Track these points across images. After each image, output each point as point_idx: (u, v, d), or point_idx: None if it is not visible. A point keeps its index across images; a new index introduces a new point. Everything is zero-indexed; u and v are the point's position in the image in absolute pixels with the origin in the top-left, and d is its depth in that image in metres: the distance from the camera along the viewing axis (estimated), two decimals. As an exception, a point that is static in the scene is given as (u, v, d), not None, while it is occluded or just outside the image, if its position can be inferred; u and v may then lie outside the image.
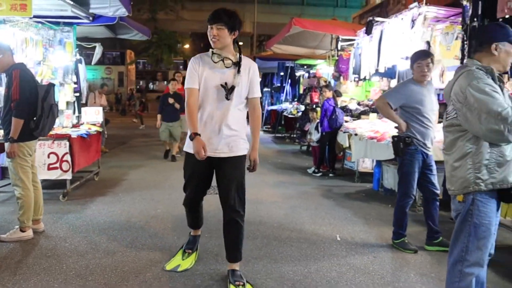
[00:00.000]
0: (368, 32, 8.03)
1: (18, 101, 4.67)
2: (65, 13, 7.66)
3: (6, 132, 4.84)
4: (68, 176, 6.73)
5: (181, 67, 48.93)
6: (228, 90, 3.77)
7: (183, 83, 5.08)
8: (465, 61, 3.68)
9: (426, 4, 6.63)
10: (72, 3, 7.09)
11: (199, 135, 3.74)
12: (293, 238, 5.25)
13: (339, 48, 10.54)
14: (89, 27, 9.21)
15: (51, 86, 5.16)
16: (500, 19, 4.72)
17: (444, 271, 3.38)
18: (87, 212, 6.13)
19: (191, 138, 3.73)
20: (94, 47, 10.26)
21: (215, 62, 3.79)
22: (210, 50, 3.84)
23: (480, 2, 5.06)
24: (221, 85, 3.77)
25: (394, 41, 7.45)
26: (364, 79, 9.85)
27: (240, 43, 3.96)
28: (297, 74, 17.93)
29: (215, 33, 3.72)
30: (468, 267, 2.96)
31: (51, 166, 6.62)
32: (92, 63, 10.60)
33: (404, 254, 4.84)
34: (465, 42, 5.45)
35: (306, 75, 16.61)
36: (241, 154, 3.92)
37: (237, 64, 3.82)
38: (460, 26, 5.99)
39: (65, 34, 8.47)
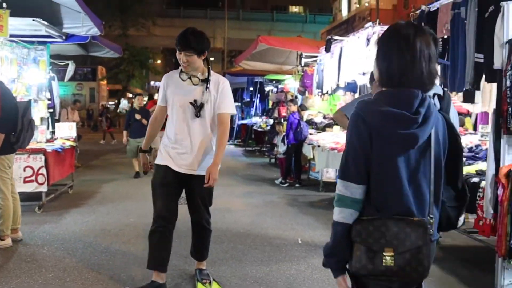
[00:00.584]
0: (327, 50, 8.57)
1: (0, 117, 4.99)
2: (39, 32, 7.96)
3: (-14, 145, 5.13)
4: (43, 188, 7.02)
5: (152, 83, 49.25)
6: (198, 108, 3.84)
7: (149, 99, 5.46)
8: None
9: (379, 24, 7.19)
10: (46, 23, 7.41)
11: (146, 152, 4.23)
12: (258, 242, 5.65)
13: (302, 64, 11.08)
14: (61, 45, 9.52)
15: (29, 102, 5.53)
16: (440, 38, 5.27)
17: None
18: (63, 222, 6.43)
19: (139, 151, 4.27)
20: (67, 64, 10.56)
21: (184, 80, 3.91)
22: (180, 67, 3.94)
23: (423, 23, 5.62)
24: (190, 102, 3.84)
25: (352, 58, 7.97)
26: (327, 93, 10.38)
27: (212, 59, 4.17)
28: (266, 89, 18.43)
29: (184, 59, 3.79)
30: None
31: (27, 179, 6.88)
32: (65, 79, 10.94)
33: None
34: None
35: (275, 89, 17.13)
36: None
37: (205, 81, 3.89)
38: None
39: (38, 53, 8.76)
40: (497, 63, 4.06)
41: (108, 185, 9.38)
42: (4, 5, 6.38)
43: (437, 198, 2.01)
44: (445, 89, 5.03)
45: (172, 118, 3.94)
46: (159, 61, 45.76)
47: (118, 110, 35.20)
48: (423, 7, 5.66)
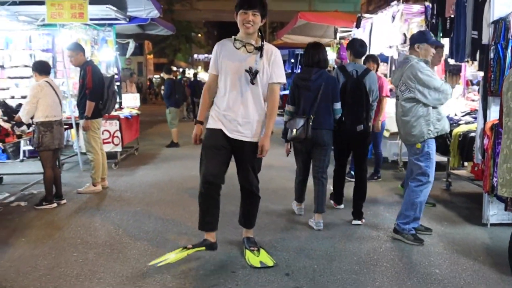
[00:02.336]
0: (357, 26, 9.58)
1: (91, 89, 6.35)
2: (107, 15, 9.30)
3: (81, 112, 6.52)
4: (118, 148, 8.48)
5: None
6: (253, 75, 3.86)
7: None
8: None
9: (402, 2, 8.16)
10: (115, 9, 8.73)
11: (201, 123, 4.11)
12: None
13: (337, 37, 12.07)
14: (123, 26, 10.85)
15: (113, 77, 6.89)
16: (448, 18, 6.27)
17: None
18: (136, 175, 7.85)
19: (195, 123, 4.13)
20: (128, 42, 11.93)
21: (237, 48, 3.91)
22: (233, 36, 3.97)
23: (435, 4, 6.60)
24: (246, 70, 3.86)
25: (380, 32, 8.97)
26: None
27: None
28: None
29: (251, 18, 3.80)
30: (427, 183, 4.59)
31: (105, 141, 8.27)
32: (127, 56, 12.30)
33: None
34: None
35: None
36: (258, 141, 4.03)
37: (259, 49, 3.90)
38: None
39: (106, 33, 10.14)
40: (485, 39, 5.13)
41: (165, 149, 10.78)
42: (84, -5, 7.68)
43: (323, 111, 5.02)
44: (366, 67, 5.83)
45: (226, 85, 3.96)
46: (199, 35, 46.73)
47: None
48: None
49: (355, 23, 9.84)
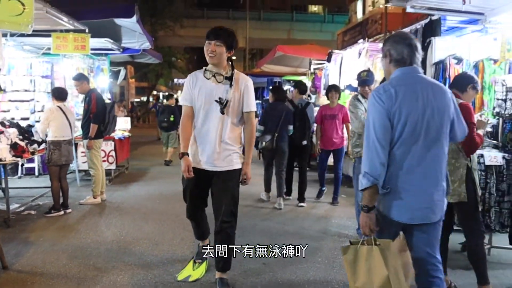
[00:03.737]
0: (328, 60, 10.74)
1: (95, 113, 7.29)
2: (104, 46, 10.28)
3: (85, 133, 7.43)
4: (113, 166, 9.38)
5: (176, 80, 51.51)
6: (223, 105, 3.88)
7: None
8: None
9: (367, 41, 9.33)
10: (112, 41, 9.73)
11: (187, 154, 4.00)
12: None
13: (311, 69, 13.24)
14: (116, 55, 11.84)
15: (114, 103, 7.83)
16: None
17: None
18: (130, 190, 8.75)
19: (180, 157, 4.00)
20: (119, 70, 12.91)
21: (208, 79, 3.94)
22: (204, 67, 4.00)
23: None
24: (216, 100, 3.89)
25: (349, 66, 10.11)
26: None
27: (234, 57, 4.14)
28: (284, 88, 20.60)
29: (213, 48, 3.84)
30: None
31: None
32: (118, 83, 13.27)
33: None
34: (387, 70, 8.12)
35: (292, 88, 19.29)
36: (235, 168, 4.07)
37: (229, 79, 3.93)
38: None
39: (101, 62, 11.10)
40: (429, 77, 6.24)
41: (153, 168, 11.69)
42: (87, 30, 8.63)
43: (283, 130, 7.44)
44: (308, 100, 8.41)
45: (198, 116, 4.01)
46: (180, 60, 47.64)
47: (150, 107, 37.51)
48: (393, 32, 7.79)
49: (326, 57, 10.99)
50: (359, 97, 5.91)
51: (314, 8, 57.07)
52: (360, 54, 9.48)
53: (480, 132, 4.02)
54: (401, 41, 2.93)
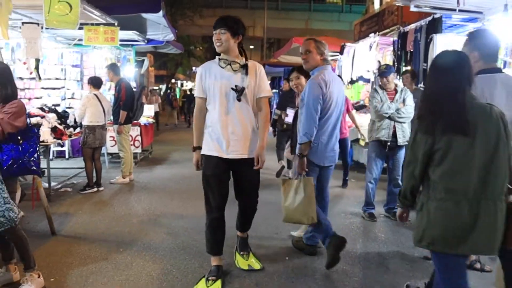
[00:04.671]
0: (341, 53, 11.31)
1: (125, 101, 7.99)
2: (130, 38, 10.96)
3: (115, 118, 8.13)
4: (139, 150, 10.11)
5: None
6: (239, 92, 3.90)
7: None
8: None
9: (378, 35, 9.87)
10: (139, 33, 10.40)
11: (200, 148, 4.05)
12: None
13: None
14: (141, 46, 12.52)
15: (141, 91, 8.51)
16: (408, 51, 7.96)
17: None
18: (154, 172, 9.47)
19: (193, 150, 4.08)
20: (143, 60, 13.60)
21: (223, 68, 3.94)
22: (217, 57, 4.00)
23: (400, 40, 8.31)
24: (232, 88, 3.90)
25: (361, 58, 10.66)
26: (352, 82, 13.05)
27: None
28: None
29: (218, 37, 3.86)
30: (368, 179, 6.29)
31: (127, 143, 9.93)
32: (142, 71, 13.94)
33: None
34: (395, 63, 8.69)
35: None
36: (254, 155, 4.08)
37: (244, 67, 3.95)
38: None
39: (127, 53, 11.78)
40: (430, 71, 6.79)
41: (175, 153, 12.41)
42: (116, 23, 9.31)
43: None
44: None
45: (215, 106, 3.98)
46: (199, 49, 48.12)
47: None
48: (400, 28, 8.35)
49: (340, 50, 11.55)
50: (377, 87, 6.32)
51: (332, -3, 56.94)
52: (371, 47, 10.03)
53: None
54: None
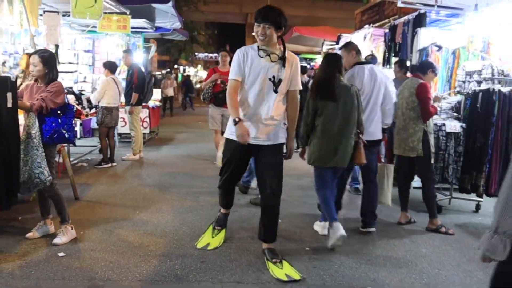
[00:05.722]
0: (337, 43, 12.03)
1: (137, 84, 8.73)
2: (140, 25, 11.65)
3: (127, 100, 8.87)
4: (147, 131, 10.89)
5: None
6: (276, 83, 3.95)
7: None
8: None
9: (371, 26, 10.58)
10: (148, 21, 11.11)
11: (242, 120, 3.97)
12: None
13: (324, 49, 14.52)
14: (149, 33, 13.22)
15: (151, 75, 9.23)
16: (397, 43, 8.67)
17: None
18: (161, 151, 10.25)
19: (235, 123, 3.92)
20: (151, 46, 14.31)
21: (262, 57, 3.95)
22: (256, 44, 4.03)
23: (390, 32, 9.02)
24: (269, 78, 3.94)
25: (356, 48, 11.38)
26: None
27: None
28: (302, 64, 21.95)
29: (263, 32, 3.88)
30: None
31: (137, 124, 10.68)
32: (149, 57, 14.65)
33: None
34: (386, 53, 9.40)
35: (308, 66, 20.62)
36: (280, 142, 4.17)
37: (283, 58, 3.97)
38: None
39: (136, 39, 12.50)
40: (414, 61, 7.52)
41: (179, 134, 13.19)
42: (128, 12, 10.00)
43: None
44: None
45: (250, 92, 4.03)
46: (202, 34, 48.40)
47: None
48: (391, 22, 9.06)
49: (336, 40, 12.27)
50: None
51: (336, -16, 56.80)
52: (365, 37, 10.74)
53: (436, 105, 5.36)
54: None
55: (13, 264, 4.00)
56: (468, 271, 4.32)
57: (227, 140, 4.24)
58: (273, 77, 3.96)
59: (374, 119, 5.09)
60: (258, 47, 4.00)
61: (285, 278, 3.90)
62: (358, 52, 5.22)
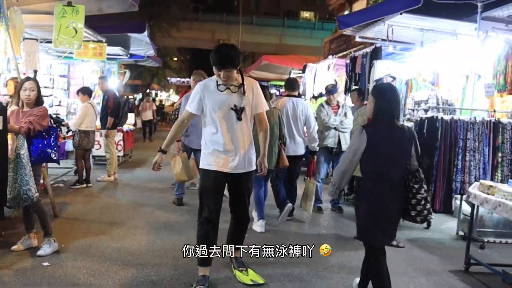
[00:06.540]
0: (303, 72, 12.74)
1: (112, 108, 9.18)
2: (115, 53, 12.14)
3: (103, 124, 9.30)
4: (121, 154, 11.29)
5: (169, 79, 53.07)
6: (239, 112, 4.06)
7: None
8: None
9: (334, 57, 11.31)
10: (123, 49, 11.62)
11: (165, 152, 4.35)
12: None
13: (291, 76, 15.22)
14: (123, 60, 13.73)
15: (127, 100, 9.70)
16: (357, 73, 9.37)
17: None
18: (134, 173, 10.67)
19: (159, 151, 4.35)
20: (125, 71, 14.81)
21: (222, 91, 4.07)
22: (214, 77, 4.12)
23: (351, 63, 9.73)
24: (231, 108, 4.05)
25: (321, 76, 12.08)
26: (315, 97, 14.46)
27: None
28: (271, 91, 22.64)
29: (225, 76, 3.99)
30: None
31: (111, 147, 11.07)
32: (123, 83, 15.13)
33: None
34: (347, 82, 10.10)
35: (277, 92, 21.32)
36: (254, 169, 4.36)
37: (241, 86, 4.10)
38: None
39: (111, 65, 12.99)
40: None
41: (151, 158, 13.33)
42: (104, 40, 10.49)
43: None
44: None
45: (216, 124, 4.12)
46: (175, 59, 48.91)
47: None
48: (352, 53, 9.79)
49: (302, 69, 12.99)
50: (324, 104, 7.62)
51: (306, 14, 57.90)
52: (329, 67, 11.46)
53: None
54: None
55: (1, 272, 4.39)
56: (412, 277, 4.90)
57: (205, 171, 4.25)
58: (235, 105, 4.07)
59: (297, 140, 6.71)
60: (216, 82, 4.11)
61: (250, 283, 4.38)
62: (288, 88, 7.03)
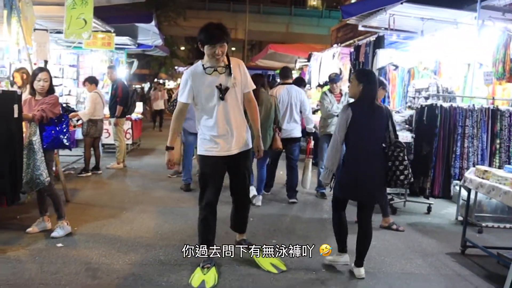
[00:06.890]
0: (308, 60, 12.87)
1: (121, 98, 9.40)
2: (123, 42, 12.32)
3: (112, 112, 9.52)
4: (129, 141, 11.52)
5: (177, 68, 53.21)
6: (223, 91, 4.06)
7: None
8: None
9: (339, 46, 11.44)
10: (131, 39, 11.80)
11: (172, 148, 4.43)
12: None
13: (297, 66, 15.37)
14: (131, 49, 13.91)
15: (135, 90, 9.92)
16: (361, 62, 9.51)
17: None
18: (143, 161, 10.91)
19: (167, 149, 4.44)
20: (133, 61, 15.00)
21: (209, 74, 4.10)
22: (201, 63, 4.15)
23: (354, 51, 9.87)
24: (216, 86, 4.07)
25: (326, 65, 12.21)
26: (320, 85, 14.61)
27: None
28: (278, 80, 22.77)
29: (220, 51, 4.00)
30: None
31: (120, 135, 11.30)
32: (131, 72, 15.32)
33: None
34: (351, 70, 10.24)
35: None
36: (249, 148, 4.40)
37: (227, 67, 4.12)
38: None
39: (119, 55, 13.18)
40: (374, 79, 8.36)
41: (160, 146, 13.79)
42: (112, 30, 10.67)
43: None
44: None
45: (208, 111, 4.18)
46: (182, 48, 49.05)
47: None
48: (356, 42, 9.91)
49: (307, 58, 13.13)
50: (327, 92, 7.79)
51: (313, 2, 57.63)
52: (334, 56, 11.59)
53: None
54: None
55: (18, 252, 4.65)
56: (410, 258, 5.10)
57: (203, 157, 4.33)
58: (220, 84, 4.10)
59: (292, 124, 7.23)
60: (203, 65, 4.13)
61: (270, 267, 4.50)
62: (283, 76, 7.75)
